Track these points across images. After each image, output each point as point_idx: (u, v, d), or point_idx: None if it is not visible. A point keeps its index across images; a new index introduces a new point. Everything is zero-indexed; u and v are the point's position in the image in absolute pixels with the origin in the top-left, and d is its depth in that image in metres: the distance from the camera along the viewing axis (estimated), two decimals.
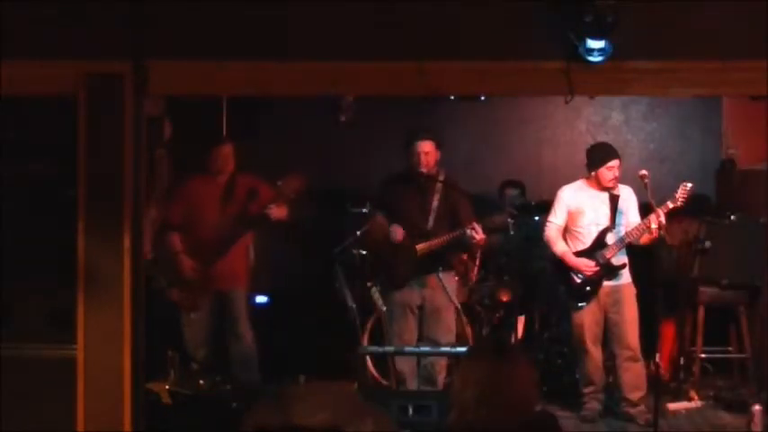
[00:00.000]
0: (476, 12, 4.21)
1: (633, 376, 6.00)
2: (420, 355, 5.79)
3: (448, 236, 5.91)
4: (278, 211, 6.04)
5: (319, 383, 2.92)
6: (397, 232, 5.95)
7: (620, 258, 6.02)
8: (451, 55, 4.23)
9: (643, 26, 4.14)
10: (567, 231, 6.11)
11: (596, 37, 4.00)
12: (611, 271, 5.98)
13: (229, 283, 6.18)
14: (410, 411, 4.44)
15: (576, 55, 4.09)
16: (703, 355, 6.64)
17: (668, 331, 6.83)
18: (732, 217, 6.62)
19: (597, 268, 5.95)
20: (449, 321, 6.06)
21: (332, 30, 4.25)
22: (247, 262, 6.36)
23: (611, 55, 4.08)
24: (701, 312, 6.57)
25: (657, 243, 5.72)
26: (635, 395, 5.99)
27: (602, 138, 7.51)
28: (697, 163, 7.84)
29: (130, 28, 4.21)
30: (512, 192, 7.26)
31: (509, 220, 6.15)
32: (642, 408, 5.96)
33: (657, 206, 5.72)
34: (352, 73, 4.39)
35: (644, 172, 5.95)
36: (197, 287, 6.07)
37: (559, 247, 6.07)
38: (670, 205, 5.78)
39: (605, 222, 5.99)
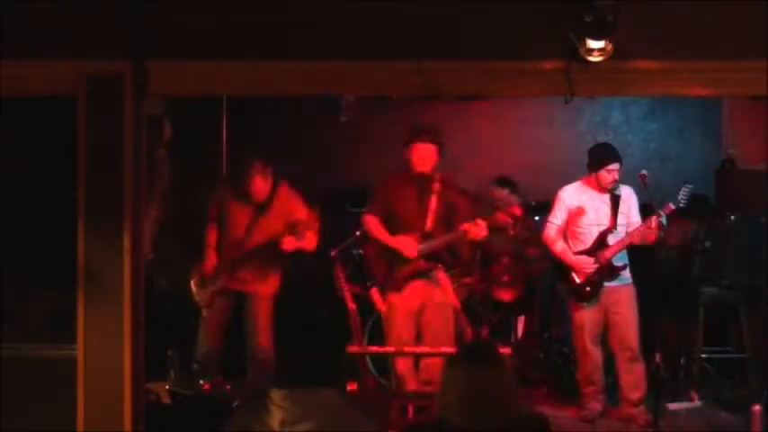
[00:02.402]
0: (476, 12, 4.21)
1: (633, 376, 6.00)
2: (419, 356, 5.79)
3: (447, 237, 5.90)
4: (309, 243, 6.05)
5: (304, 390, 2.93)
6: (409, 249, 5.92)
7: (621, 259, 6.02)
8: (451, 55, 4.23)
9: (643, 26, 4.14)
10: (568, 231, 6.11)
11: (596, 37, 4.00)
12: (612, 272, 5.98)
13: (251, 286, 6.16)
14: (410, 411, 4.44)
15: (576, 55, 4.09)
16: (703, 355, 6.64)
17: (668, 331, 6.83)
18: (732, 217, 6.62)
19: (596, 266, 5.95)
20: (447, 322, 6.03)
21: (332, 30, 4.25)
22: (274, 270, 6.27)
23: (612, 55, 4.08)
24: (701, 312, 6.58)
25: (657, 243, 5.72)
26: (635, 395, 5.99)
27: (602, 138, 7.51)
28: (697, 163, 7.84)
29: (130, 28, 4.21)
30: (500, 191, 7.20)
31: (509, 220, 6.13)
32: (642, 408, 5.96)
33: (658, 206, 5.72)
34: (352, 73, 4.39)
35: (644, 172, 5.95)
36: (214, 285, 6.08)
37: (558, 246, 6.08)
38: (672, 207, 5.78)
39: (606, 223, 5.98)
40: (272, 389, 2.95)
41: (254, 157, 6.15)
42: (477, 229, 5.76)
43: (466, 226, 5.78)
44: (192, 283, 6.13)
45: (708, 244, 6.49)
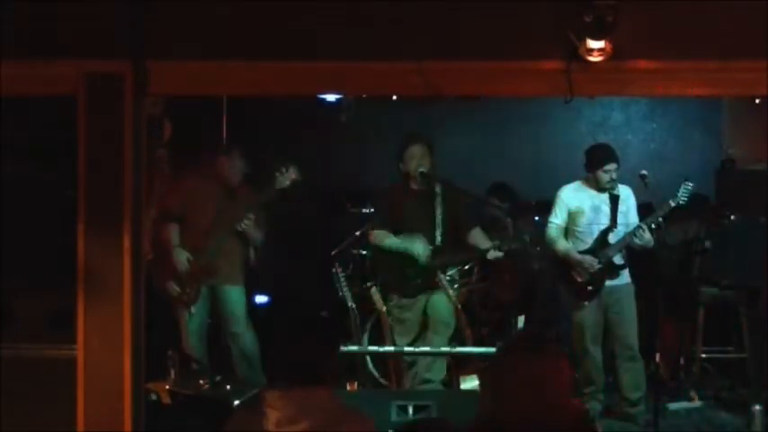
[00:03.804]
0: (476, 11, 4.20)
1: (633, 376, 6.00)
2: (419, 356, 5.79)
3: (465, 255, 5.93)
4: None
5: (300, 390, 2.93)
6: None
7: (620, 258, 6.02)
8: (451, 55, 4.23)
9: (643, 26, 4.13)
10: (568, 231, 6.12)
11: (596, 37, 4.00)
12: (613, 271, 5.98)
13: (223, 280, 6.18)
14: (410, 411, 4.44)
15: (576, 55, 4.09)
16: (703, 355, 6.64)
17: (668, 331, 6.83)
18: (732, 217, 6.63)
19: (600, 266, 5.95)
20: (450, 319, 6.03)
21: (332, 30, 4.24)
22: (242, 258, 6.35)
23: (611, 55, 4.07)
24: (701, 312, 6.58)
25: (657, 243, 5.73)
26: (635, 395, 5.99)
27: (602, 138, 7.51)
28: (697, 163, 7.85)
29: (130, 28, 4.20)
30: (492, 198, 7.18)
31: (508, 219, 6.14)
32: (642, 408, 5.96)
33: (658, 206, 5.72)
34: (352, 73, 4.38)
35: (644, 172, 5.96)
36: (193, 281, 6.08)
37: (561, 245, 6.08)
38: (672, 204, 5.79)
39: (606, 222, 5.99)
40: (267, 390, 2.94)
41: (227, 144, 6.43)
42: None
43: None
44: (171, 285, 6.11)
45: (708, 244, 6.50)
